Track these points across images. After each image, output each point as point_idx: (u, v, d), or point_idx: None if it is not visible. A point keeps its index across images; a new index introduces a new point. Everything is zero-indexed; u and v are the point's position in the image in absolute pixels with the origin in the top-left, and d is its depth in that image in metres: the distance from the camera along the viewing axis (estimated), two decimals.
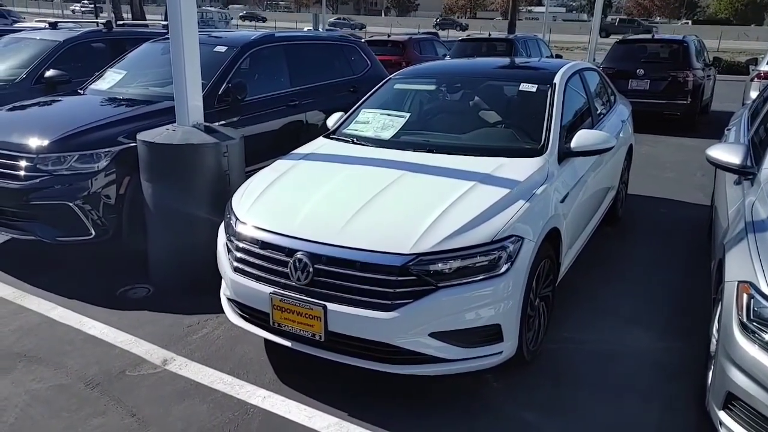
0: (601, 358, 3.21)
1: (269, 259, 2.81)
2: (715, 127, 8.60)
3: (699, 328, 3.41)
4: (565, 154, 3.47)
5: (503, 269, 2.65)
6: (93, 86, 5.25)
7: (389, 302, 2.55)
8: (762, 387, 2.08)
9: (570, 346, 3.32)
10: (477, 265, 2.62)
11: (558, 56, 15.21)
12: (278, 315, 2.75)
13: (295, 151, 3.80)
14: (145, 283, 4.00)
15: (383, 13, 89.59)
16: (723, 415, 2.28)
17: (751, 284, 2.24)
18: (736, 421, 2.22)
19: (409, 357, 2.64)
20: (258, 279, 2.83)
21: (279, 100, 5.39)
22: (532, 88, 3.92)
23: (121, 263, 4.26)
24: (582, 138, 3.48)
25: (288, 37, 5.97)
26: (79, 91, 5.24)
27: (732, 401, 2.24)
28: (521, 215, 2.81)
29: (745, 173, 3.12)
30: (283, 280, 2.74)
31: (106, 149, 4.02)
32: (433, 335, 2.60)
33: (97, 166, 3.97)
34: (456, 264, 2.60)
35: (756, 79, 9.33)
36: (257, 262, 2.86)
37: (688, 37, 10.81)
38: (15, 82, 5.87)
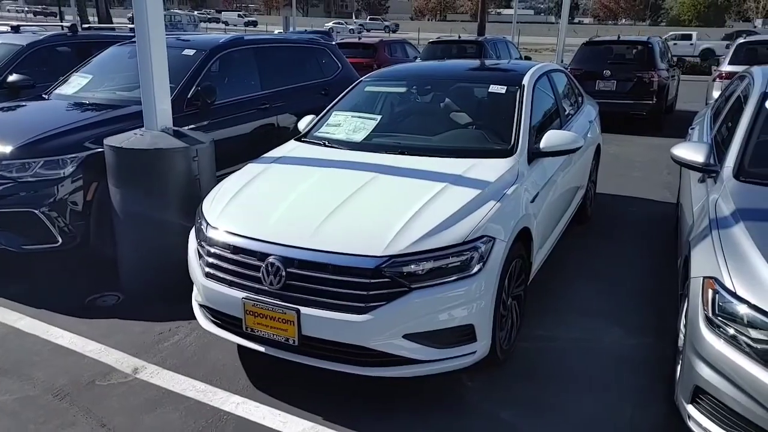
0: (574, 355, 3.26)
1: (241, 263, 2.78)
2: (680, 127, 8.79)
3: (668, 324, 3.48)
4: (535, 155, 3.52)
5: (475, 269, 2.67)
6: (58, 91, 5.13)
7: (363, 305, 2.55)
8: (728, 380, 2.14)
9: (543, 344, 3.36)
10: (450, 265, 2.64)
11: (527, 58, 15.43)
12: (251, 320, 2.72)
13: (266, 155, 3.77)
14: (115, 290, 3.92)
15: (353, 16, 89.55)
16: (691, 409, 2.34)
17: (716, 280, 2.30)
18: (703, 414, 2.28)
19: (383, 359, 2.64)
20: (230, 284, 2.80)
21: (249, 103, 5.35)
22: (501, 89, 3.96)
23: (89, 271, 4.17)
24: (551, 138, 3.53)
25: (258, 40, 5.93)
26: (43, 96, 5.11)
27: (699, 395, 2.29)
28: (492, 215, 2.84)
29: (708, 171, 3.20)
30: (255, 285, 2.71)
31: (73, 155, 3.93)
32: (407, 337, 2.60)
33: (63, 172, 3.88)
34: (429, 265, 2.61)
35: (718, 80, 9.60)
36: (229, 267, 2.83)
37: (653, 38, 11.06)
38: None
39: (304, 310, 2.59)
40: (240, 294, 2.73)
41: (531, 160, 3.49)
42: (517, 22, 27.77)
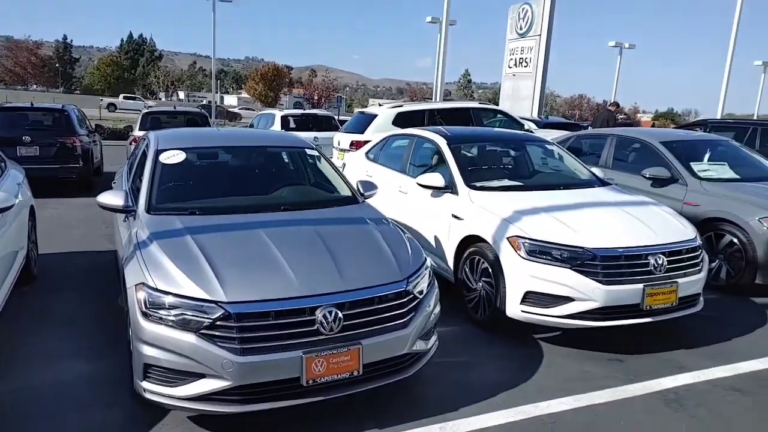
0: (43, 400, 3.51)
1: None
2: (110, 185, 9.64)
3: (124, 340, 4.14)
4: None
5: None
6: None
7: None
8: (163, 349, 2.96)
9: (15, 395, 3.46)
10: None
11: None
12: None
13: None
14: None
15: None
16: (145, 384, 3.07)
17: (144, 284, 3.11)
18: (154, 383, 3.04)
19: None
20: None
21: None
22: None
23: None
24: None
25: None
26: None
27: (149, 369, 3.04)
28: None
29: (128, 211, 4.06)
30: None
31: None
32: None
33: None
34: None
35: (133, 142, 11.02)
36: None
37: (68, 106, 11.60)
38: None
39: None
40: None
41: None
42: None
